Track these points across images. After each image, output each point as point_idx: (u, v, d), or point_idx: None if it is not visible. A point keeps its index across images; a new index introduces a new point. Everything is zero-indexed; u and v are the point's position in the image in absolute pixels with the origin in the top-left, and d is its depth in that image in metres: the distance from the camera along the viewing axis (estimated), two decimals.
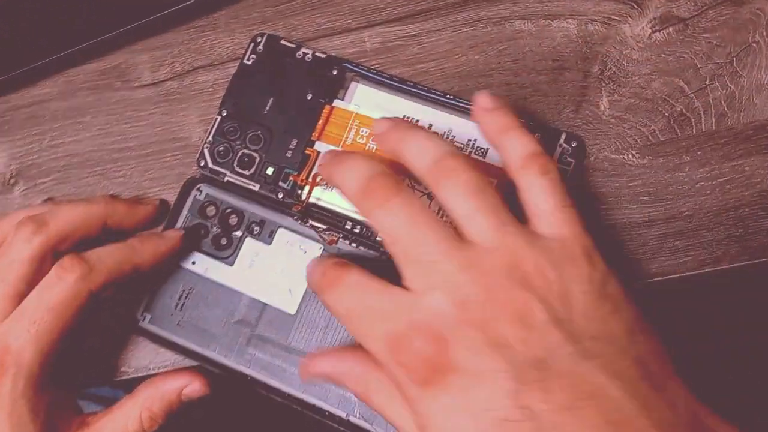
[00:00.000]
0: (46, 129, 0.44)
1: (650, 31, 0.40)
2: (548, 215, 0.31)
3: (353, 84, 0.40)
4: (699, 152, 0.39)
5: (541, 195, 0.31)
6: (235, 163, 0.40)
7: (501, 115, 0.33)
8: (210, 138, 0.40)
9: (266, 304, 0.39)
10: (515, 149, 0.32)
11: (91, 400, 0.54)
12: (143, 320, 0.39)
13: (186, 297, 0.39)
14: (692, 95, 0.39)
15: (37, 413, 0.34)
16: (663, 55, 0.40)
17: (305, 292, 0.38)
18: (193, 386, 0.37)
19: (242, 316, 0.39)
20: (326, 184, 0.38)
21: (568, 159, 0.38)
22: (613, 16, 0.40)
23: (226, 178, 0.40)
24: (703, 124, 0.39)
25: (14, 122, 0.44)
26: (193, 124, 0.43)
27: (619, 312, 0.29)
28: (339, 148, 0.39)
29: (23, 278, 0.35)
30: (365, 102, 0.40)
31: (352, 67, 0.40)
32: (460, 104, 0.39)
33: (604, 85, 0.40)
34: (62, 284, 0.34)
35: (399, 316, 0.29)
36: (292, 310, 0.38)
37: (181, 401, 0.37)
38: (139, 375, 0.40)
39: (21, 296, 0.35)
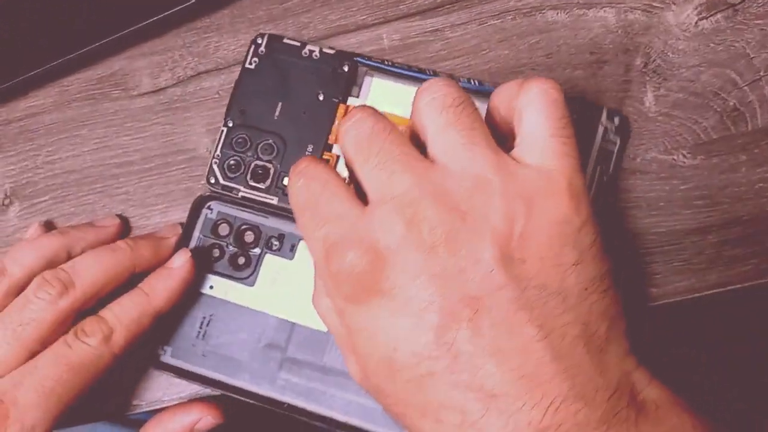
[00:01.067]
0: (40, 144, 0.41)
1: (696, 18, 0.37)
2: (538, 141, 0.28)
3: (367, 79, 0.38)
4: (756, 150, 0.36)
5: (535, 116, 0.29)
6: (249, 177, 0.37)
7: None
8: (218, 152, 0.37)
9: (295, 324, 0.36)
10: (516, 83, 0.30)
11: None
12: (164, 354, 0.37)
13: (207, 324, 0.37)
14: (746, 88, 0.37)
15: None
16: (712, 45, 0.37)
17: None
18: (205, 420, 0.36)
19: (270, 339, 0.36)
20: None
21: (612, 138, 0.36)
22: (655, 3, 0.38)
23: (241, 194, 0.37)
24: (759, 119, 0.37)
25: (6, 138, 0.41)
26: (200, 135, 0.40)
27: (581, 265, 0.27)
28: None
29: (39, 339, 0.34)
30: (382, 97, 0.38)
31: (364, 61, 0.38)
32: (486, 90, 0.36)
33: (648, 79, 0.37)
34: (84, 347, 0.33)
35: (344, 223, 0.28)
36: (324, 327, 0.36)
37: None
38: (152, 408, 0.38)
39: (31, 356, 0.34)
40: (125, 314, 0.34)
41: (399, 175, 0.28)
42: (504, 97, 0.31)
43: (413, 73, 0.37)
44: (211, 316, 0.37)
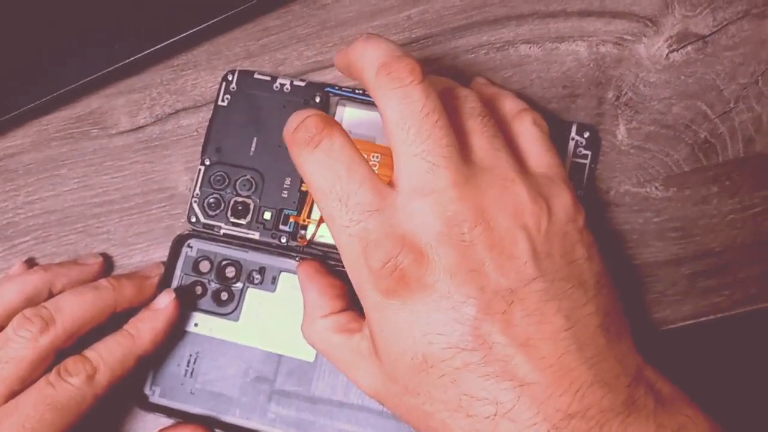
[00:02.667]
0: (20, 184, 0.41)
1: (667, 50, 0.38)
2: (538, 155, 0.32)
3: (339, 108, 0.38)
4: (727, 182, 0.37)
5: (532, 140, 0.32)
6: (229, 213, 0.38)
7: (495, 87, 0.36)
8: (197, 191, 0.38)
9: (281, 356, 0.36)
10: (508, 105, 0.34)
11: None
12: (153, 395, 0.37)
13: (194, 362, 0.37)
14: (716, 120, 0.37)
15: None
16: (683, 77, 0.38)
17: None
18: None
19: (258, 372, 0.36)
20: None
21: (583, 151, 0.37)
22: (626, 36, 0.38)
23: (222, 231, 0.37)
24: (729, 151, 0.37)
25: None
26: (179, 172, 0.40)
27: (592, 260, 0.30)
28: None
29: (19, 379, 0.33)
30: (355, 125, 0.38)
31: (335, 91, 0.38)
32: None
33: (620, 112, 0.38)
34: (67, 386, 0.33)
35: (381, 217, 0.28)
36: (311, 358, 0.36)
37: None
38: None
39: (12, 396, 0.33)
40: (110, 354, 0.34)
41: (442, 171, 0.28)
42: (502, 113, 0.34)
43: None
44: (197, 353, 0.37)
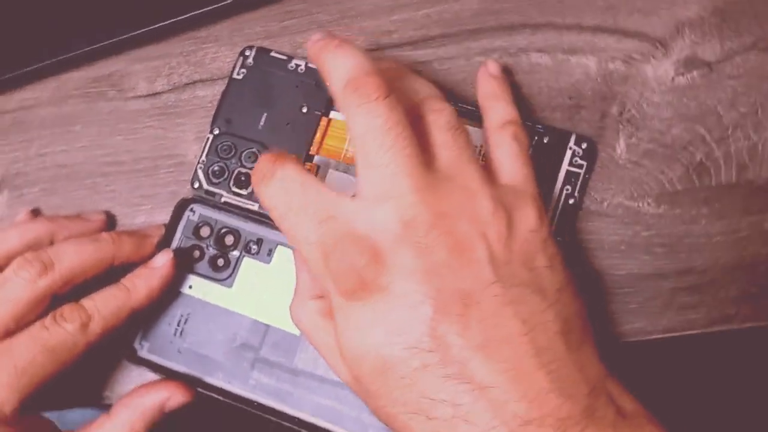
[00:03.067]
0: (33, 136, 0.42)
1: (673, 73, 0.39)
2: (510, 168, 0.33)
3: None
4: (717, 205, 0.38)
5: (508, 153, 0.33)
6: (231, 183, 0.38)
7: (498, 84, 0.36)
8: (203, 158, 0.39)
9: (269, 326, 0.37)
10: (498, 113, 0.35)
11: None
12: (141, 349, 0.37)
13: (185, 322, 0.38)
14: (713, 144, 0.38)
15: None
16: (685, 100, 0.38)
17: None
18: (175, 398, 0.36)
19: (245, 339, 0.37)
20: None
21: (579, 161, 0.37)
22: (635, 55, 0.39)
23: (223, 199, 0.38)
24: (723, 176, 0.38)
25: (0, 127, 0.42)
26: (189, 141, 0.41)
27: (553, 269, 0.30)
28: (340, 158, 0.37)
29: (15, 317, 0.34)
30: None
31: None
32: (464, 108, 0.38)
33: (622, 127, 0.38)
34: (61, 331, 0.34)
35: (339, 221, 0.29)
36: (297, 331, 0.37)
37: (164, 413, 0.36)
38: None
39: (7, 335, 0.34)
40: (105, 305, 0.35)
41: (402, 178, 0.28)
42: (486, 120, 0.35)
43: None
44: (188, 314, 0.38)
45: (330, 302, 0.31)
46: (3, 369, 0.32)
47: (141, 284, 0.36)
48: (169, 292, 0.37)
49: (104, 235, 0.37)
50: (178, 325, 0.38)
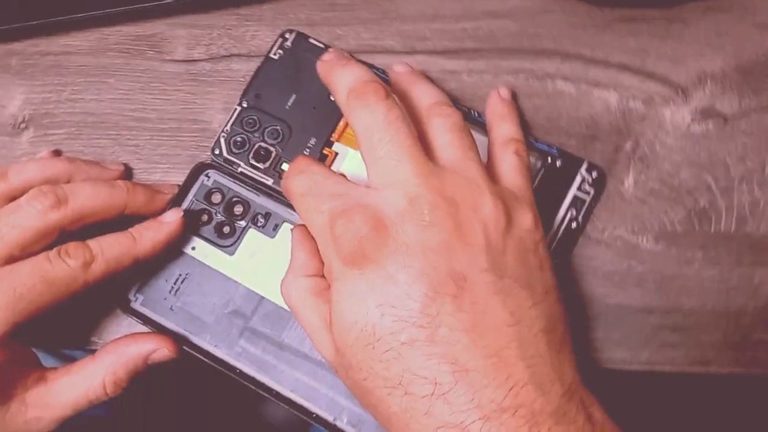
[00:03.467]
0: (68, 81, 0.43)
1: (690, 120, 0.40)
2: (511, 177, 0.34)
3: None
4: (712, 252, 0.38)
5: (509, 165, 0.35)
6: (251, 155, 0.39)
7: (507, 106, 0.38)
8: (228, 127, 0.40)
9: (263, 297, 0.38)
10: (503, 130, 0.37)
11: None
12: (135, 301, 0.38)
13: (182, 282, 0.38)
14: (718, 193, 0.39)
15: None
16: (697, 148, 0.39)
17: None
18: (161, 352, 0.36)
19: (237, 307, 0.38)
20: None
21: (588, 188, 0.39)
22: (656, 97, 0.40)
23: (240, 169, 0.39)
24: (722, 225, 0.39)
25: (38, 67, 0.43)
26: (216, 110, 0.42)
27: (543, 270, 0.31)
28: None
29: (21, 245, 0.34)
30: None
31: (378, 74, 0.40)
32: (480, 120, 0.39)
33: (633, 163, 0.40)
34: (63, 265, 0.34)
35: (349, 197, 0.31)
36: None
37: (148, 365, 0.36)
38: None
39: (11, 260, 0.34)
40: (109, 249, 0.35)
41: (405, 165, 0.30)
42: (491, 136, 0.37)
43: None
44: (187, 274, 0.38)
45: (321, 283, 0.33)
46: (2, 292, 0.33)
47: (148, 236, 0.36)
48: (172, 250, 0.38)
49: (120, 182, 0.38)
50: (175, 284, 0.38)
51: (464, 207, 0.30)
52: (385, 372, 0.28)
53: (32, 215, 0.35)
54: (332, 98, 0.39)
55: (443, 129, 0.33)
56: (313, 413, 0.36)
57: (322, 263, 0.34)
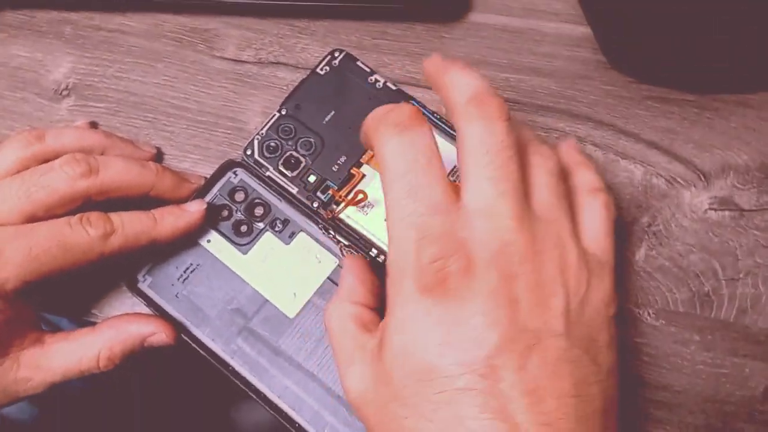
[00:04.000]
0: (117, 59, 0.44)
1: (708, 206, 0.41)
2: (596, 235, 0.33)
3: None
4: (710, 337, 0.39)
5: (597, 219, 0.33)
6: (281, 162, 0.40)
7: (585, 157, 0.37)
8: (263, 131, 0.40)
9: (267, 300, 0.38)
10: (587, 177, 0.35)
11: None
12: (143, 281, 0.39)
13: (191, 271, 0.39)
14: (723, 281, 0.40)
15: None
16: (710, 234, 0.40)
17: (309, 300, 0.38)
18: (159, 336, 0.36)
19: (240, 305, 0.38)
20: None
21: None
22: (678, 179, 0.41)
23: (267, 173, 0.40)
24: (723, 312, 0.39)
25: (90, 40, 0.44)
26: (255, 112, 0.43)
27: (610, 349, 0.30)
28: None
29: (46, 205, 0.35)
30: None
31: (418, 106, 0.40)
32: None
33: (647, 237, 0.40)
34: (83, 232, 0.34)
35: (442, 218, 0.29)
36: (291, 314, 0.38)
37: (144, 347, 0.36)
38: None
39: (33, 219, 0.35)
40: (130, 225, 0.36)
41: (507, 199, 0.29)
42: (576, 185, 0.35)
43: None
44: (198, 265, 0.39)
45: (366, 314, 0.32)
46: (19, 249, 0.33)
47: (169, 220, 0.37)
48: (188, 239, 0.39)
49: (151, 164, 0.39)
50: (185, 272, 0.39)
51: (551, 265, 0.29)
52: (433, 414, 0.27)
53: (62, 179, 0.35)
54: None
55: (543, 169, 0.32)
56: (297, 423, 0.37)
57: (371, 293, 0.34)
